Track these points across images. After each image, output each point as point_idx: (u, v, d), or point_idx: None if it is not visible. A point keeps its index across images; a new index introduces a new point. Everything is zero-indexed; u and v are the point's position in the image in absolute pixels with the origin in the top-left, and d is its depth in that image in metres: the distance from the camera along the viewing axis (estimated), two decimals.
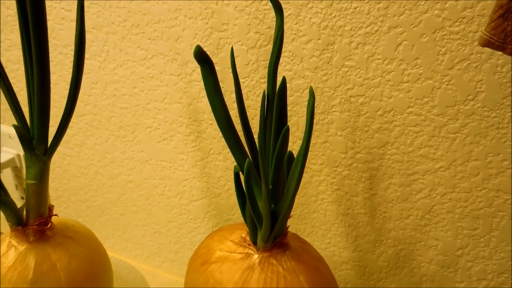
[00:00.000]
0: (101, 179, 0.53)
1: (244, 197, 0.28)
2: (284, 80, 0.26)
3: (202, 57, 0.26)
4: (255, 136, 0.28)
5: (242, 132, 0.30)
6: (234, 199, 0.46)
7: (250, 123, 0.31)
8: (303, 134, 0.31)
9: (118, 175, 0.52)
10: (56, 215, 0.30)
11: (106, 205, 0.55)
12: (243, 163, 0.25)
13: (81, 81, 0.31)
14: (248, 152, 0.27)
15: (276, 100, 0.25)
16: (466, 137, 0.33)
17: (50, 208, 0.30)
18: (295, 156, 0.24)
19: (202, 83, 0.43)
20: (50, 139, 0.32)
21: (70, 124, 0.52)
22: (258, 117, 0.34)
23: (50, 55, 0.46)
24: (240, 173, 0.27)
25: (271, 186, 0.26)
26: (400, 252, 0.40)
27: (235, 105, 0.29)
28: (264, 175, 0.24)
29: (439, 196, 0.36)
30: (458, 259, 0.37)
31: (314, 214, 0.42)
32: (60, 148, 0.54)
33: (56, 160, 0.55)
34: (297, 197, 0.42)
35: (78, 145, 0.53)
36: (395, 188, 0.38)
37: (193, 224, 0.50)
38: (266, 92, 0.28)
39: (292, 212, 0.44)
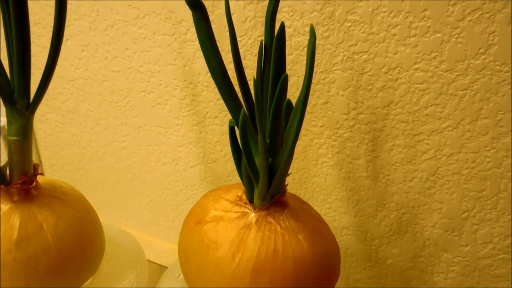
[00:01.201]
0: (95, 146, 0.52)
1: (240, 152, 0.26)
2: (282, 26, 0.24)
3: (193, 0, 0.24)
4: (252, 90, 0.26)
5: (239, 88, 0.28)
6: (231, 165, 0.45)
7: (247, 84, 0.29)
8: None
9: (112, 142, 0.50)
10: (41, 174, 0.29)
11: (100, 174, 0.54)
12: (239, 117, 0.23)
13: (63, 28, 0.29)
14: (244, 106, 0.25)
15: (274, 47, 0.23)
16: (475, 94, 0.32)
17: (35, 167, 0.29)
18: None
19: (197, 43, 0.41)
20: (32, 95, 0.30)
21: (61, 90, 0.50)
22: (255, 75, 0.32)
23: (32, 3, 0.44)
24: (236, 127, 0.25)
25: (268, 140, 0.25)
26: (403, 216, 0.38)
27: (232, 65, 0.27)
28: (261, 126, 0.23)
29: (445, 157, 0.35)
30: (463, 222, 0.36)
31: (314, 178, 0.41)
32: (51, 115, 0.52)
33: (48, 128, 0.54)
34: (296, 161, 0.41)
35: (70, 112, 0.51)
36: (399, 149, 0.36)
37: (190, 191, 0.49)
38: (263, 41, 0.26)
39: (291, 177, 0.42)
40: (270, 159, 0.24)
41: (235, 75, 0.28)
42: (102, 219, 0.37)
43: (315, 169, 0.40)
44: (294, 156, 0.41)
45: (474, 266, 0.37)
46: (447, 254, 0.38)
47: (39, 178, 0.30)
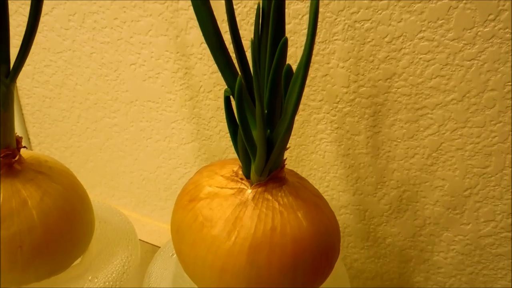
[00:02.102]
0: (85, 123, 0.50)
1: (236, 124, 0.25)
2: None
3: None
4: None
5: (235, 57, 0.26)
6: (226, 142, 0.43)
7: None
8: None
9: (102, 118, 0.49)
10: (25, 147, 0.27)
11: (91, 151, 0.52)
12: (235, 86, 0.22)
13: None
14: (240, 74, 0.24)
15: (272, 8, 0.21)
16: (483, 64, 0.30)
17: (18, 140, 0.27)
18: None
19: (190, 12, 0.39)
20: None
21: (48, 62, 0.48)
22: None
23: None
24: (231, 97, 0.24)
25: (266, 110, 0.23)
26: (403, 194, 0.37)
27: (227, 35, 0.26)
28: (258, 95, 0.21)
29: (449, 132, 0.33)
30: (465, 200, 0.35)
31: (312, 155, 0.39)
32: (38, 90, 0.50)
33: (35, 103, 0.51)
34: (293, 137, 0.39)
35: (57, 86, 0.49)
36: (401, 124, 0.35)
37: (183, 169, 0.47)
38: (261, 5, 0.24)
39: (288, 155, 0.41)
40: (268, 130, 0.23)
41: (231, 46, 0.26)
42: (94, 199, 0.36)
43: (313, 145, 0.39)
44: (292, 132, 0.39)
45: (475, 244, 0.36)
46: (448, 232, 0.37)
47: (23, 152, 0.28)
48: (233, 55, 0.26)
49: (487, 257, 0.36)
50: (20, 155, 0.27)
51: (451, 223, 0.36)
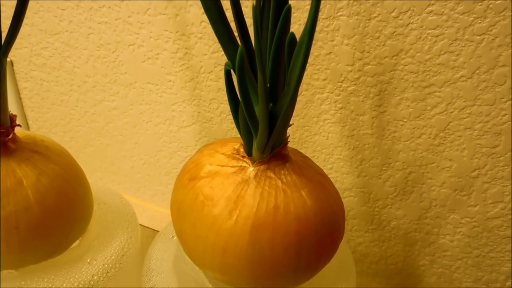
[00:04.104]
0: (83, 106, 0.49)
1: (237, 99, 0.24)
2: None
3: None
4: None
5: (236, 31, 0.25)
6: (227, 124, 0.42)
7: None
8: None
9: (101, 101, 0.48)
10: (19, 125, 0.26)
11: (90, 135, 0.51)
12: (235, 58, 0.21)
13: None
14: (241, 45, 0.22)
15: None
16: (494, 39, 0.29)
17: (12, 118, 0.26)
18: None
19: None
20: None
21: (45, 44, 0.46)
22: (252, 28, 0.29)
23: None
24: (232, 71, 0.23)
25: (268, 84, 0.22)
26: (409, 175, 0.36)
27: (228, 13, 0.24)
28: (260, 66, 0.20)
29: (457, 110, 0.32)
30: (473, 181, 0.34)
31: (316, 136, 0.39)
32: (36, 73, 0.49)
33: (33, 87, 0.51)
34: (296, 118, 0.39)
35: (55, 69, 0.48)
36: (408, 103, 0.34)
37: (184, 153, 0.46)
38: None
39: (291, 136, 0.40)
40: (271, 104, 0.22)
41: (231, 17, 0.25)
42: (94, 184, 0.35)
43: (316, 126, 0.38)
44: (294, 113, 0.38)
45: (483, 227, 0.36)
46: (455, 215, 0.36)
47: (18, 131, 0.27)
48: (234, 27, 0.25)
49: (495, 240, 0.36)
50: (15, 134, 0.26)
51: (458, 205, 0.36)
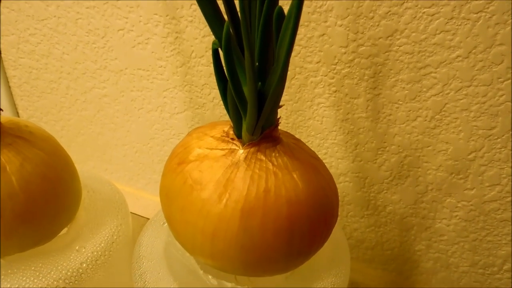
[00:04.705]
0: (74, 94, 0.48)
1: (225, 79, 0.23)
2: None
3: None
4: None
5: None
6: (220, 109, 0.42)
7: None
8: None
9: (92, 89, 0.47)
10: (1, 110, 0.25)
11: (81, 124, 0.50)
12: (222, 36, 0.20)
13: None
14: (228, 21, 0.22)
15: None
16: (491, 17, 0.28)
17: None
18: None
19: None
20: None
21: (32, 31, 0.45)
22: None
23: None
24: (220, 50, 0.22)
25: (257, 63, 0.21)
26: (404, 159, 0.36)
27: None
28: (247, 43, 0.19)
29: (453, 91, 0.31)
30: (469, 164, 0.33)
31: (310, 121, 0.38)
32: (24, 60, 0.48)
33: (22, 75, 0.50)
34: (290, 103, 0.38)
35: (44, 56, 0.47)
36: (403, 85, 0.33)
37: (176, 140, 0.46)
38: None
39: (284, 121, 0.39)
40: (259, 83, 0.21)
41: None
42: (81, 170, 0.34)
43: (310, 111, 0.37)
44: (287, 97, 0.37)
45: (479, 210, 0.35)
46: (451, 198, 0.36)
47: (1, 117, 0.27)
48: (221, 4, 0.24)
49: (492, 223, 0.35)
50: None
51: (455, 189, 0.35)
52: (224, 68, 0.22)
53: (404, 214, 0.38)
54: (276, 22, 0.19)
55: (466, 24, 0.29)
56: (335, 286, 0.28)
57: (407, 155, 0.35)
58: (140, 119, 0.46)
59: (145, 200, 0.51)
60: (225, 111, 0.41)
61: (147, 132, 0.47)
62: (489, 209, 0.35)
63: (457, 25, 0.29)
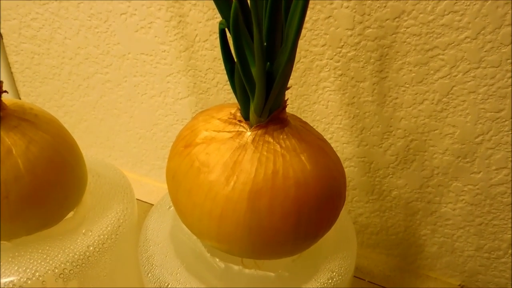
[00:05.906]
0: (76, 79, 0.48)
1: (232, 60, 0.23)
2: None
3: None
4: None
5: None
6: (224, 95, 0.41)
7: None
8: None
9: (94, 74, 0.46)
10: (5, 91, 0.25)
11: (84, 110, 0.50)
12: (230, 15, 0.20)
13: None
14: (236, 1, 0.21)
15: None
16: None
17: None
18: None
19: None
20: None
21: (34, 15, 0.45)
22: None
23: None
24: (227, 30, 0.21)
25: (265, 43, 0.21)
26: (410, 143, 0.35)
27: None
28: (256, 22, 0.19)
29: (461, 74, 0.31)
30: (476, 147, 0.33)
31: (315, 105, 0.38)
32: (26, 46, 0.48)
33: (24, 61, 0.49)
34: (295, 87, 0.37)
35: (46, 41, 0.46)
36: (410, 68, 0.32)
37: (180, 126, 0.45)
38: None
39: (290, 105, 0.39)
40: (268, 64, 0.21)
41: None
42: (86, 155, 0.34)
43: (315, 95, 0.37)
44: (292, 81, 0.37)
45: (486, 194, 0.35)
46: (457, 182, 0.36)
47: (6, 99, 0.26)
48: None
49: (498, 207, 0.35)
50: (1, 101, 0.25)
51: (461, 172, 0.35)
52: (232, 48, 0.22)
53: (410, 198, 0.38)
54: (285, 2, 0.18)
55: (474, 4, 0.28)
56: (342, 269, 0.28)
57: (413, 139, 0.35)
58: (143, 104, 0.46)
59: (148, 186, 0.51)
60: (229, 96, 0.41)
61: (150, 118, 0.47)
62: (495, 193, 0.35)
63: (465, 6, 0.29)
